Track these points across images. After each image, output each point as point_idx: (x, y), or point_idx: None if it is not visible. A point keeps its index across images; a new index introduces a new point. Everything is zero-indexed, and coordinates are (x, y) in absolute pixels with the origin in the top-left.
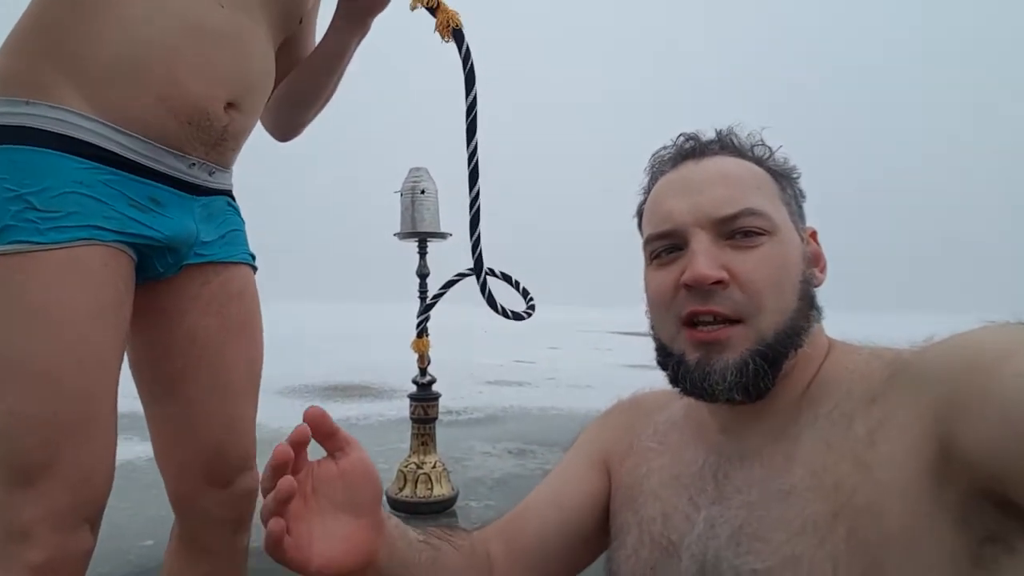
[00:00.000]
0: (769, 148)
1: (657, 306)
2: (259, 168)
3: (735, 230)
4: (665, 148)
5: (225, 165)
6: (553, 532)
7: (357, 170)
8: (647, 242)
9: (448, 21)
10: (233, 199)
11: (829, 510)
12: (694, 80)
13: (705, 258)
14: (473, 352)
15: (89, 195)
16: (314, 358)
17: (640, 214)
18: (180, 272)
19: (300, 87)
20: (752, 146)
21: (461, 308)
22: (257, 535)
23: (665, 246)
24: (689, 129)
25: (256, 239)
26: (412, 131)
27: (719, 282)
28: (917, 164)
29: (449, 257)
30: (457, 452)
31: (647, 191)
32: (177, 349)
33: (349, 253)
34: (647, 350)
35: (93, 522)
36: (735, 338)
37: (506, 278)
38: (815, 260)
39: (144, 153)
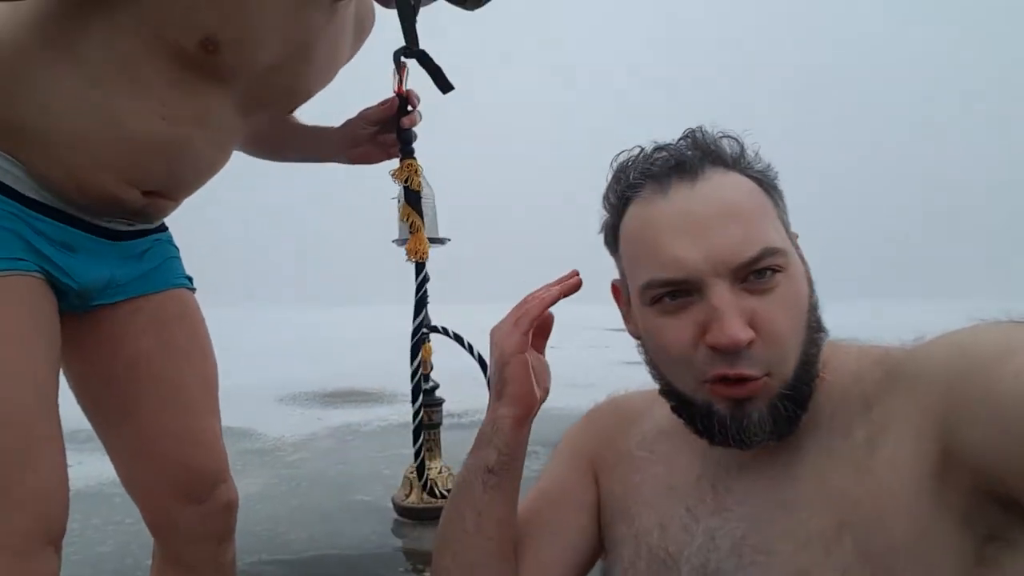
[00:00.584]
0: (742, 145)
1: (671, 361)
2: (252, 168)
3: (752, 272)
4: (629, 152)
5: (149, 223)
6: (562, 534)
7: (350, 172)
8: (647, 287)
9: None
10: (163, 229)
11: (835, 520)
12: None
13: (734, 318)
14: (450, 331)
15: (10, 229)
16: (312, 364)
17: (612, 230)
18: (105, 305)
19: (266, 149)
20: (730, 149)
21: (457, 308)
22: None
23: (670, 292)
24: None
25: (249, 243)
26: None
27: (754, 341)
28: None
29: (448, 262)
30: (462, 455)
31: (615, 206)
32: (118, 377)
33: (345, 256)
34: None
35: (56, 544)
36: (764, 389)
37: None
38: (808, 276)
39: (58, 203)
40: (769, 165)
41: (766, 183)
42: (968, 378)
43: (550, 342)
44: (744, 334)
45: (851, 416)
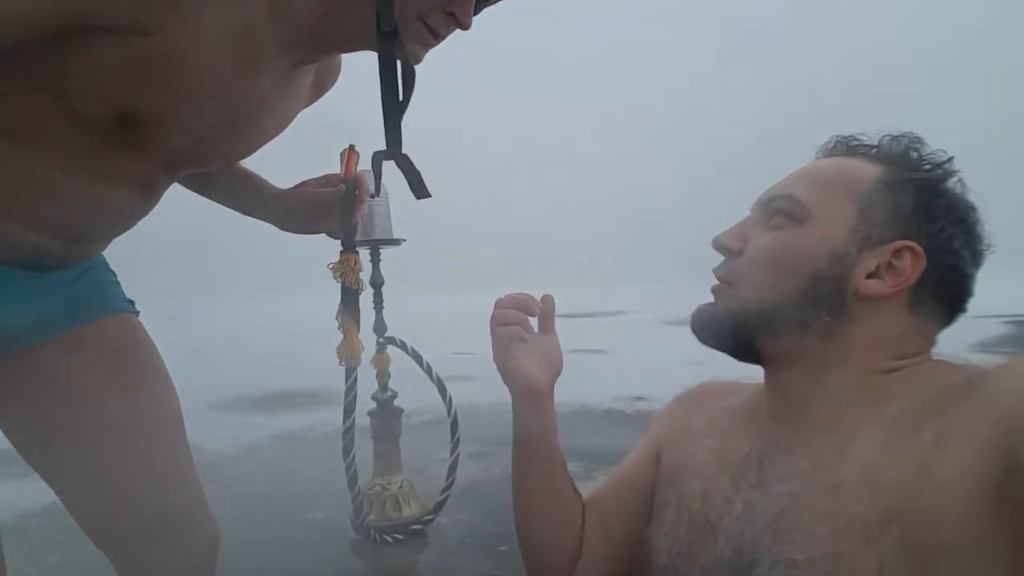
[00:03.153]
0: (916, 148)
1: None
2: None
3: (769, 212)
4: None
5: (76, 263)
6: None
7: (287, 166)
8: None
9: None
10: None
11: (883, 509)
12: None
13: (731, 229)
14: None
15: None
16: (242, 364)
17: None
18: (39, 343)
19: (194, 186)
20: (887, 144)
21: (395, 299)
22: None
23: None
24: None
25: (173, 233)
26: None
27: (731, 251)
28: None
29: (402, 263)
30: (416, 461)
31: None
32: (63, 414)
33: (266, 239)
34: (584, 332)
35: None
36: (721, 292)
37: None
38: (887, 272)
39: None
40: (932, 168)
41: (894, 180)
42: None
43: (487, 331)
44: (728, 241)
45: (920, 417)
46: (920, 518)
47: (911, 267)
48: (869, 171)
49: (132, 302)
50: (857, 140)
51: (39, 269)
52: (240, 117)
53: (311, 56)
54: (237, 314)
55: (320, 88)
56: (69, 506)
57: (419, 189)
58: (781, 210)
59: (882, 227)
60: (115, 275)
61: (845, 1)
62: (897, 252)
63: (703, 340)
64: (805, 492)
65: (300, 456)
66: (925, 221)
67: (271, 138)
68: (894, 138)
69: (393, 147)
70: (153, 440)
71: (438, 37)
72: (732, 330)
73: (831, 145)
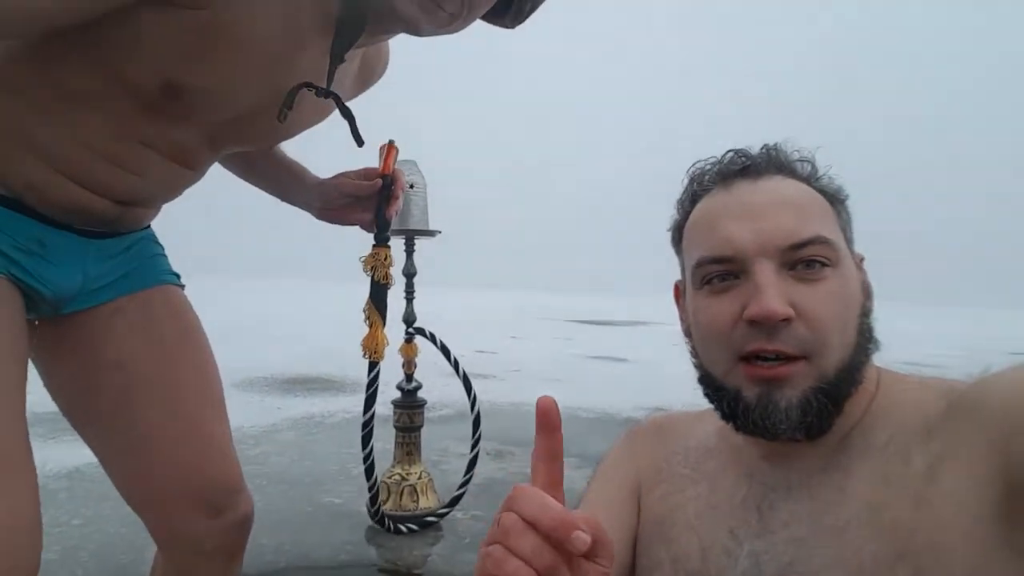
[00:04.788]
0: (815, 167)
1: (711, 338)
2: None
3: (800, 259)
4: (705, 161)
5: (130, 229)
6: None
7: (333, 159)
8: (698, 265)
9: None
10: (145, 227)
11: (891, 549)
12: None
13: (774, 291)
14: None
15: None
16: (267, 346)
17: (678, 230)
18: (84, 309)
19: (237, 168)
20: (803, 165)
21: (419, 293)
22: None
23: (719, 272)
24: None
25: (208, 215)
26: (398, 122)
27: (786, 319)
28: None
29: (428, 257)
30: (433, 454)
31: (685, 206)
32: (107, 382)
33: (317, 227)
34: (608, 340)
35: None
36: (797, 375)
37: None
38: (867, 289)
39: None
40: (841, 187)
41: (832, 197)
42: None
43: (511, 332)
44: (781, 308)
45: (910, 444)
46: (928, 555)
47: (866, 275)
48: (815, 194)
49: (178, 275)
50: (780, 159)
51: (92, 231)
52: (278, 97)
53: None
54: (264, 295)
55: (366, 78)
56: (111, 471)
57: (356, 135)
58: (819, 256)
59: (851, 245)
60: (163, 248)
61: None
62: (861, 264)
63: (788, 436)
64: (812, 536)
65: (318, 441)
66: (851, 233)
67: (312, 123)
68: (800, 157)
69: (328, 83)
70: (196, 409)
71: (440, 9)
72: (827, 413)
73: (760, 163)
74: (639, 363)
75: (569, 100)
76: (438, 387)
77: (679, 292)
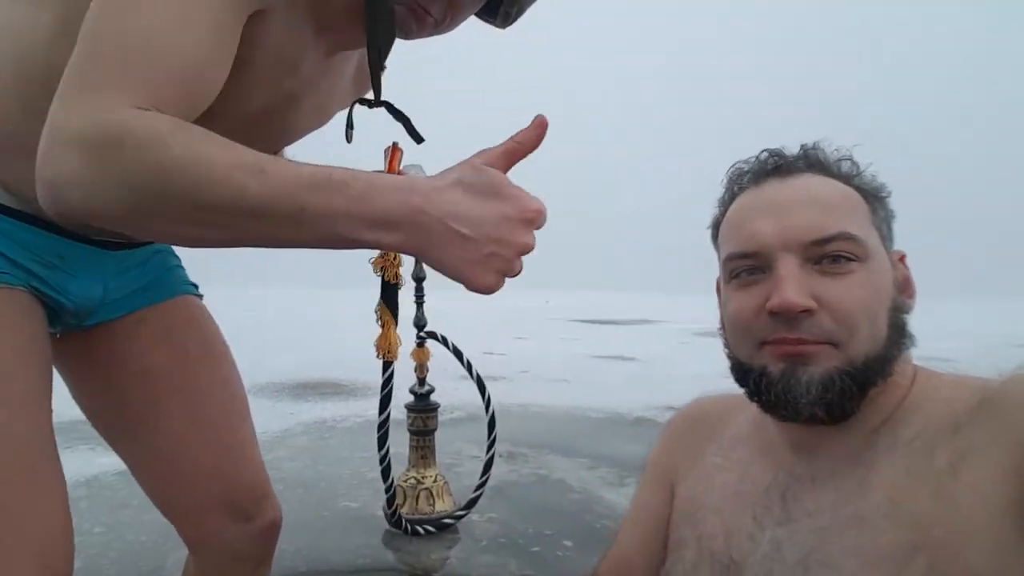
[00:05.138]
0: (858, 166)
1: (737, 328)
2: None
3: (825, 255)
4: (744, 162)
5: (143, 242)
6: (643, 551)
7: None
8: (727, 260)
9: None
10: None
11: (908, 541)
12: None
13: (793, 284)
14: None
15: None
16: (279, 351)
17: (716, 227)
18: (106, 321)
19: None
20: (840, 163)
21: (427, 296)
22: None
23: (747, 267)
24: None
25: None
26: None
27: (807, 311)
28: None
29: None
30: (447, 457)
31: (724, 204)
32: (133, 390)
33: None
34: (614, 339)
35: None
36: (823, 354)
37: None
38: (904, 285)
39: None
40: (883, 185)
41: (869, 194)
42: None
43: (517, 333)
44: (801, 299)
45: (936, 439)
46: (946, 548)
47: (909, 272)
48: (848, 190)
49: (196, 286)
50: (815, 157)
51: (111, 242)
52: (282, 100)
53: (340, 40)
54: (277, 301)
55: (363, 83)
56: (141, 479)
57: (414, 134)
58: (845, 251)
59: (889, 242)
60: (179, 260)
61: None
62: (900, 261)
63: (809, 413)
64: (832, 526)
65: (332, 446)
66: (889, 230)
67: (311, 128)
68: (840, 157)
69: (377, 94)
70: (222, 417)
71: (428, 15)
72: (850, 395)
73: (792, 162)
74: (647, 361)
75: (579, 103)
76: (448, 390)
77: (719, 287)
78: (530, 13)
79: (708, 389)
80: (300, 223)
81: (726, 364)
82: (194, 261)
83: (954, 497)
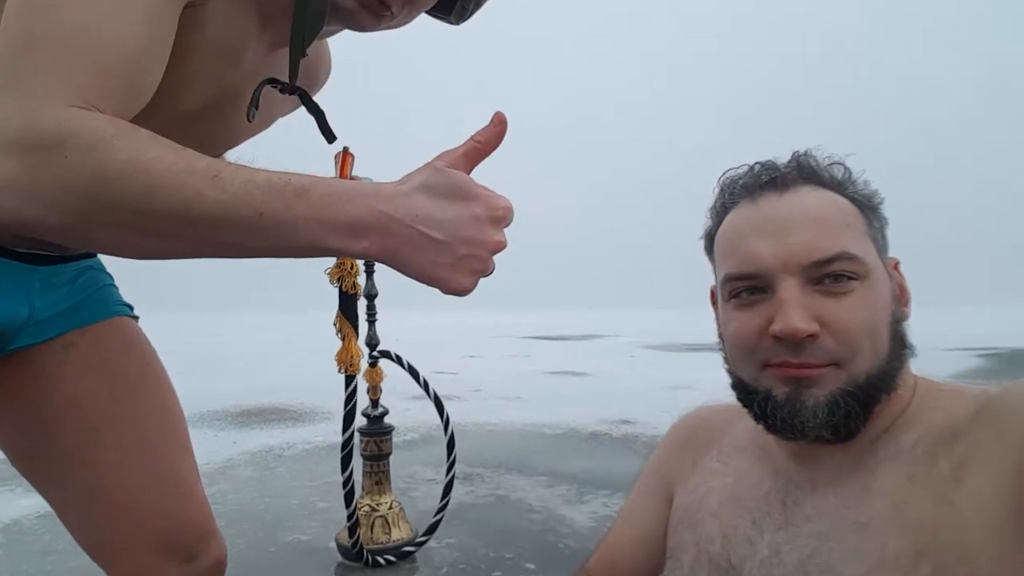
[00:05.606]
0: (851, 172)
1: (739, 349)
2: None
3: (826, 275)
4: (736, 170)
5: (76, 254)
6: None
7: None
8: (726, 280)
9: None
10: (92, 256)
11: (912, 546)
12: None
13: (797, 309)
14: (390, 363)
15: None
16: (221, 378)
17: (710, 238)
18: (30, 345)
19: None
20: (832, 169)
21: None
22: None
23: (746, 287)
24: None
25: None
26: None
27: (811, 335)
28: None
29: (380, 277)
30: (401, 482)
31: (717, 215)
32: (61, 423)
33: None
34: (564, 355)
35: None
36: (826, 377)
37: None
38: (900, 293)
39: None
40: (876, 192)
41: (864, 205)
42: None
43: (468, 351)
44: (805, 325)
45: (937, 446)
46: (949, 554)
47: (904, 279)
48: (844, 202)
49: (131, 307)
50: (808, 166)
51: (38, 255)
52: (227, 93)
53: (286, 33)
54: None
55: (310, 83)
56: (68, 521)
57: (326, 131)
58: (846, 271)
59: (884, 252)
60: (112, 278)
61: None
62: (895, 269)
63: (816, 436)
64: (833, 531)
65: (279, 475)
66: (884, 239)
67: (255, 130)
68: (832, 163)
69: (293, 79)
70: (161, 449)
71: (387, 10)
72: (855, 415)
73: (786, 174)
74: (598, 376)
75: (538, 122)
76: (400, 411)
77: (714, 297)
78: (485, 12)
79: (659, 401)
80: (259, 231)
81: (679, 376)
82: (136, 286)
83: (957, 503)
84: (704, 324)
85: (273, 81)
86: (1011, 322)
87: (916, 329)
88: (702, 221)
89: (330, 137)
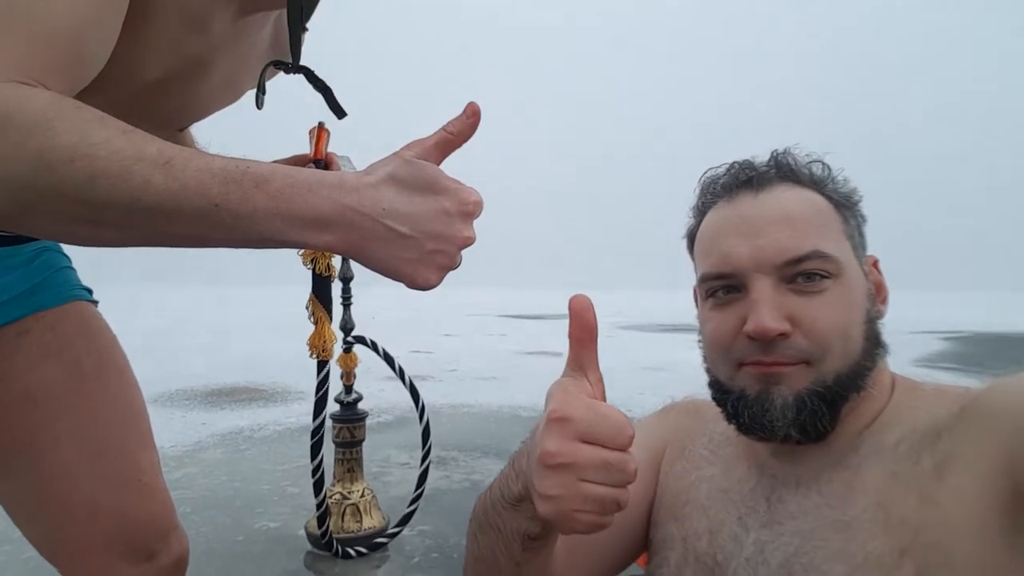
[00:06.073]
0: (829, 169)
1: (715, 347)
2: None
3: (798, 273)
4: (716, 169)
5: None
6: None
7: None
8: (702, 280)
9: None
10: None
11: (895, 545)
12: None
13: (768, 309)
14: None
15: None
16: (189, 356)
17: (691, 238)
18: None
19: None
20: (811, 167)
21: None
22: None
23: (722, 286)
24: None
25: None
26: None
27: (782, 334)
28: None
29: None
30: (373, 466)
31: (698, 214)
32: (13, 415)
33: None
34: (541, 335)
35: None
36: (795, 375)
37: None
38: (877, 291)
39: None
40: (855, 190)
41: (840, 203)
42: None
43: (445, 330)
44: (776, 324)
45: (920, 444)
46: (933, 553)
47: (882, 277)
48: (819, 200)
49: (90, 290)
50: (785, 165)
51: None
52: (193, 62)
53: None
54: (182, 303)
55: (281, 52)
56: (19, 519)
57: (335, 106)
58: (818, 269)
59: (861, 250)
60: (70, 260)
61: None
62: (874, 267)
63: (784, 435)
64: (818, 529)
65: (249, 458)
66: (861, 237)
67: (223, 103)
68: (810, 160)
69: (296, 57)
70: (120, 443)
71: None
72: (821, 414)
73: (763, 173)
74: None
75: (517, 103)
76: (374, 392)
77: (696, 298)
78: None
79: (634, 382)
80: (214, 222)
81: (655, 357)
82: (87, 258)
83: (940, 502)
84: (680, 305)
85: (277, 62)
86: (985, 308)
87: (887, 313)
88: (681, 208)
89: (340, 113)
